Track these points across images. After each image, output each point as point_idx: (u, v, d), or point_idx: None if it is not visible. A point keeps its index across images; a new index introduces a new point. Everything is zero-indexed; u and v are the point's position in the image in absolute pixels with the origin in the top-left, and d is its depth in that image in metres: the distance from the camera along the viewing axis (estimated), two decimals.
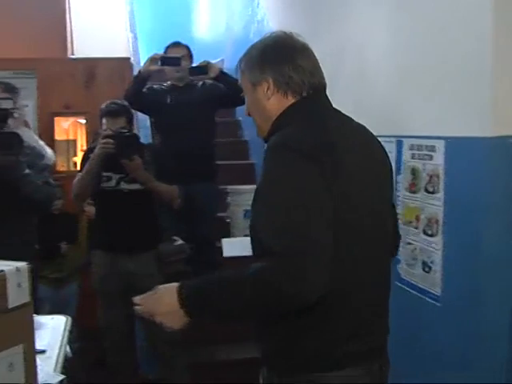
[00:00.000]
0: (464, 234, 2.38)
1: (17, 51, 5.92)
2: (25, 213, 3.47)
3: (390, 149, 2.84)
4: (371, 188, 1.81)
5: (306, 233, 1.57)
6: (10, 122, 4.06)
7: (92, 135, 5.29)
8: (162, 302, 1.74)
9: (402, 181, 2.79)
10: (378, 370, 1.85)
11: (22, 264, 1.53)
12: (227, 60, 6.30)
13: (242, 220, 4.93)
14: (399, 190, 2.81)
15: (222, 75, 4.44)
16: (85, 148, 5.41)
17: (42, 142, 4.52)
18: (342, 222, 1.66)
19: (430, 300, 2.59)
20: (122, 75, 5.73)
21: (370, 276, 1.80)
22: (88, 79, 5.89)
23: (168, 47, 4.58)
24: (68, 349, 2.43)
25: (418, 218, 2.66)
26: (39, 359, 1.75)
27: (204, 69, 4.43)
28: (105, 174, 3.63)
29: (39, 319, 2.46)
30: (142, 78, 4.42)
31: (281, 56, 1.85)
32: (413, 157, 2.70)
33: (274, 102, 1.86)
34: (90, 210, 4.04)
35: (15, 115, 4.17)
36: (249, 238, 2.01)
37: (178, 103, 4.49)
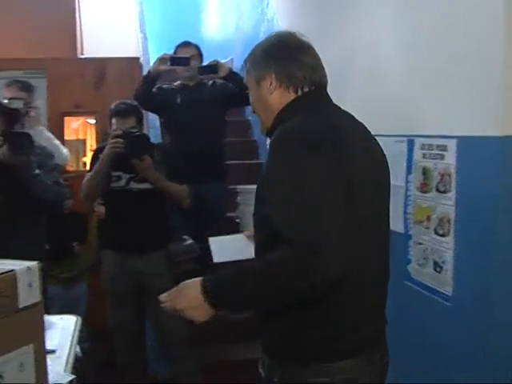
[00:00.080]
0: (476, 234, 2.36)
1: (27, 51, 5.93)
2: (35, 213, 3.48)
3: (401, 148, 2.83)
4: (371, 182, 1.84)
5: (319, 219, 1.61)
6: (26, 120, 4.09)
7: (102, 135, 5.30)
8: (187, 296, 1.79)
9: (413, 180, 2.77)
10: (379, 360, 1.89)
11: (33, 263, 1.52)
12: (237, 59, 6.30)
13: (251, 220, 4.90)
14: (410, 190, 2.79)
15: (232, 74, 4.43)
16: (94, 148, 5.41)
17: (57, 142, 4.54)
18: (347, 210, 1.69)
19: (440, 300, 2.58)
20: (131, 75, 5.73)
21: (372, 266, 1.84)
22: (98, 79, 5.90)
23: (178, 47, 4.59)
24: (78, 349, 2.43)
25: (429, 218, 2.64)
26: (49, 359, 1.75)
27: (213, 68, 4.43)
28: (114, 173, 3.62)
29: (49, 319, 2.46)
30: (152, 77, 4.43)
31: (284, 52, 1.92)
32: (424, 156, 2.68)
33: (276, 96, 1.93)
34: (100, 209, 4.04)
35: (31, 114, 4.19)
36: (240, 236, 2.04)
37: (187, 103, 4.49)
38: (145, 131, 4.27)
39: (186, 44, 4.60)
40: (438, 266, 2.59)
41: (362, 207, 1.76)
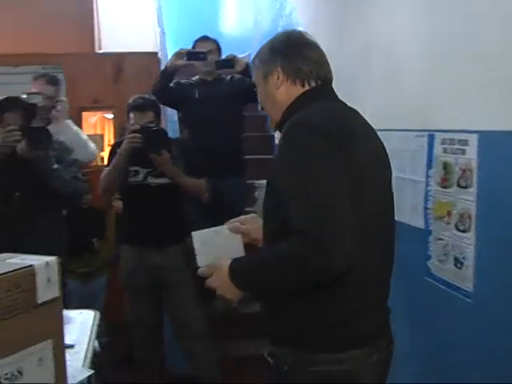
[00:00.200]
0: (497, 229, 2.33)
1: (45, 46, 5.95)
2: (53, 208, 3.49)
3: (422, 143, 2.80)
4: (375, 179, 1.89)
5: (331, 209, 1.67)
6: (53, 114, 4.09)
7: (119, 130, 5.31)
8: (219, 274, 1.90)
9: (433, 175, 2.74)
10: (385, 347, 1.96)
11: (52, 258, 1.52)
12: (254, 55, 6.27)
13: None
14: (430, 185, 2.76)
15: (249, 69, 4.42)
16: (112, 143, 5.42)
17: (85, 136, 4.52)
18: (357, 199, 1.74)
19: (461, 296, 2.55)
20: (149, 70, 5.73)
21: (378, 255, 1.90)
22: (116, 74, 5.92)
23: (197, 41, 4.59)
24: (96, 343, 2.43)
25: (449, 214, 2.61)
26: (68, 354, 1.75)
27: (230, 62, 4.41)
28: (132, 168, 3.63)
29: (68, 314, 2.46)
30: (169, 72, 4.42)
31: (289, 48, 1.99)
32: (445, 151, 2.65)
33: (283, 91, 1.99)
34: (118, 204, 4.05)
35: (58, 108, 4.19)
36: (225, 231, 2.03)
37: (205, 97, 4.48)
38: (163, 126, 4.27)
39: (204, 38, 4.59)
40: (458, 262, 2.56)
41: (371, 194, 1.82)
